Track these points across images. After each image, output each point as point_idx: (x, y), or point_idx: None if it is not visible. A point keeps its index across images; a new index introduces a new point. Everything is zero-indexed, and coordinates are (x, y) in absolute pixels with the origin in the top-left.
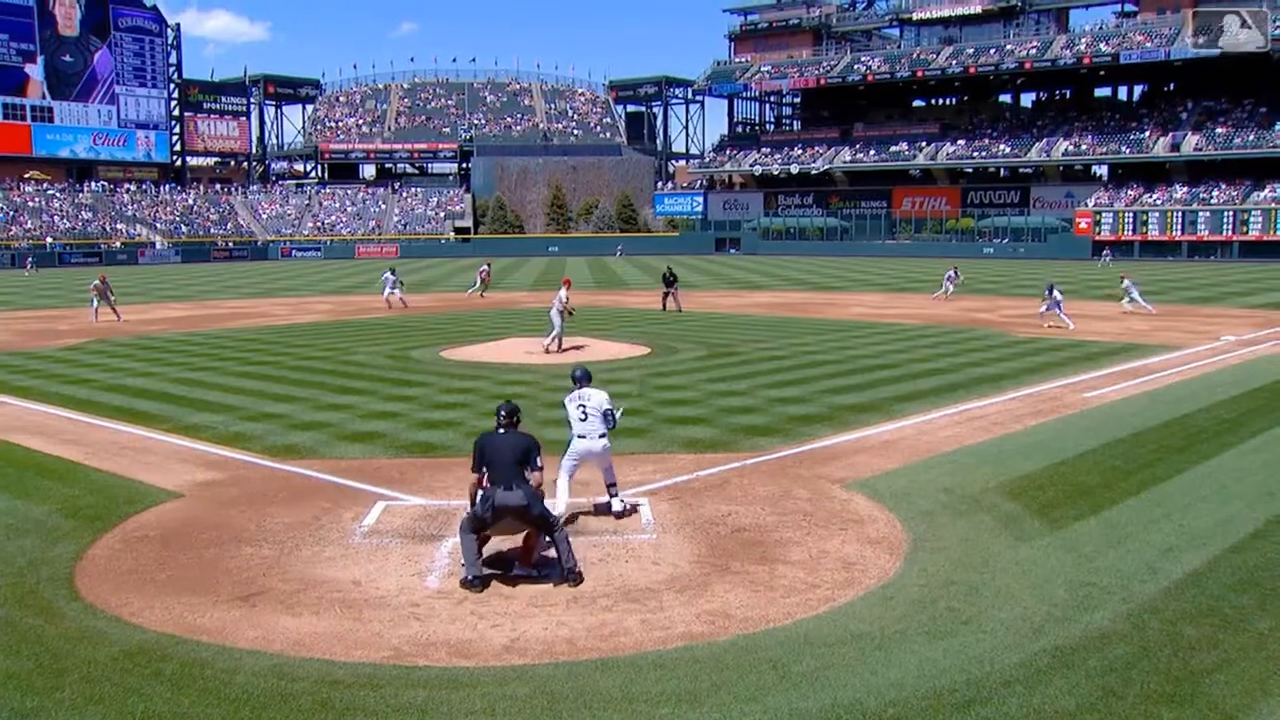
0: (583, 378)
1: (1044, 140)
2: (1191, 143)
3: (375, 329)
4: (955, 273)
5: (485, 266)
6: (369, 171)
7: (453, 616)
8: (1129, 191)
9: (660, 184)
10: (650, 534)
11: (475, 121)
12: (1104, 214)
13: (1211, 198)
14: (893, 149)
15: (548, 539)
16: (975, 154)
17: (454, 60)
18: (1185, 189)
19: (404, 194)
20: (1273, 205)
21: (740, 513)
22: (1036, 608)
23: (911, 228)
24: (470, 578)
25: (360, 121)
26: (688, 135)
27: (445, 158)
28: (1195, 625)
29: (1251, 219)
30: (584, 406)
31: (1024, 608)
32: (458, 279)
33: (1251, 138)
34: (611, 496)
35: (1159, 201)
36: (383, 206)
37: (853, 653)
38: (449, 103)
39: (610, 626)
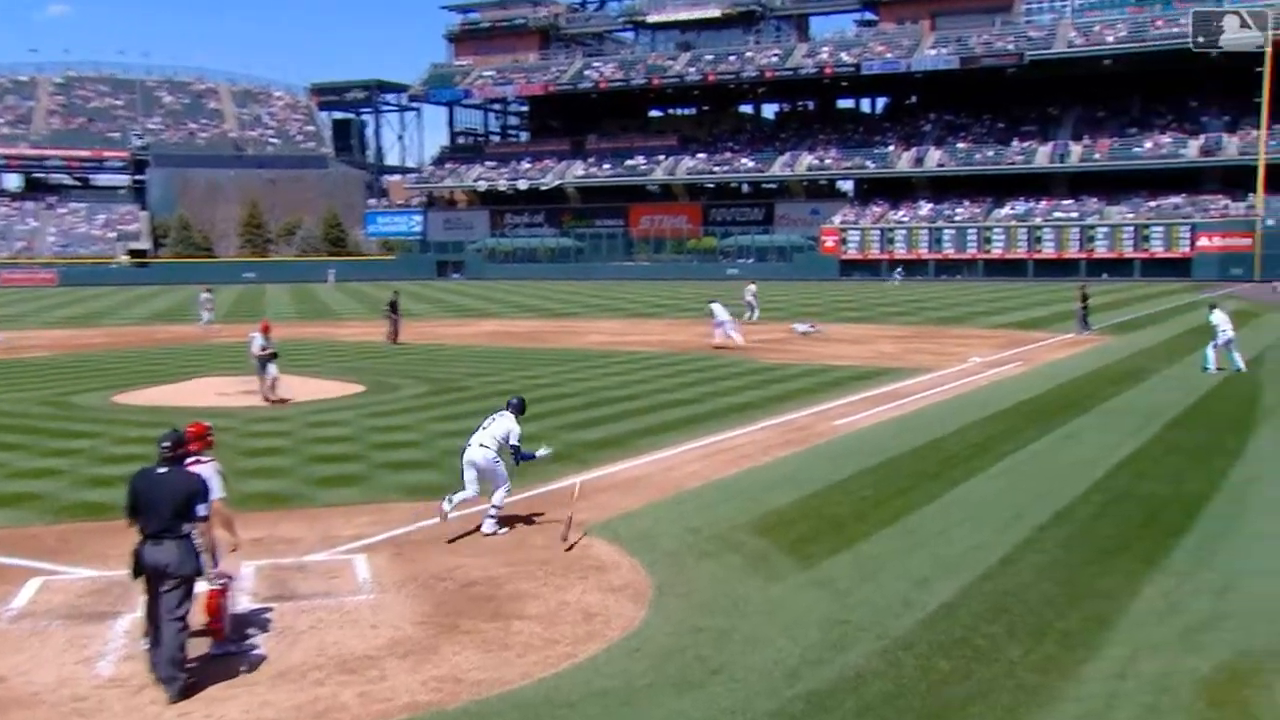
0: (515, 405)
1: (788, 154)
2: (935, 158)
3: (23, 371)
4: (753, 296)
5: (207, 295)
6: (13, 182)
7: (128, 709)
8: (875, 208)
9: (373, 201)
10: (368, 594)
11: (151, 126)
12: (850, 231)
13: (956, 214)
14: (629, 163)
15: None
16: (716, 168)
17: (121, 52)
18: (930, 205)
19: (61, 209)
20: (1014, 223)
21: (470, 565)
22: (790, 650)
23: (651, 248)
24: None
25: None
26: (403, 147)
27: (114, 168)
28: (948, 658)
29: (994, 236)
30: (494, 420)
31: (777, 651)
32: (134, 309)
33: (991, 154)
34: (486, 517)
35: (905, 218)
36: (33, 224)
37: (597, 711)
38: (116, 102)
39: (323, 703)
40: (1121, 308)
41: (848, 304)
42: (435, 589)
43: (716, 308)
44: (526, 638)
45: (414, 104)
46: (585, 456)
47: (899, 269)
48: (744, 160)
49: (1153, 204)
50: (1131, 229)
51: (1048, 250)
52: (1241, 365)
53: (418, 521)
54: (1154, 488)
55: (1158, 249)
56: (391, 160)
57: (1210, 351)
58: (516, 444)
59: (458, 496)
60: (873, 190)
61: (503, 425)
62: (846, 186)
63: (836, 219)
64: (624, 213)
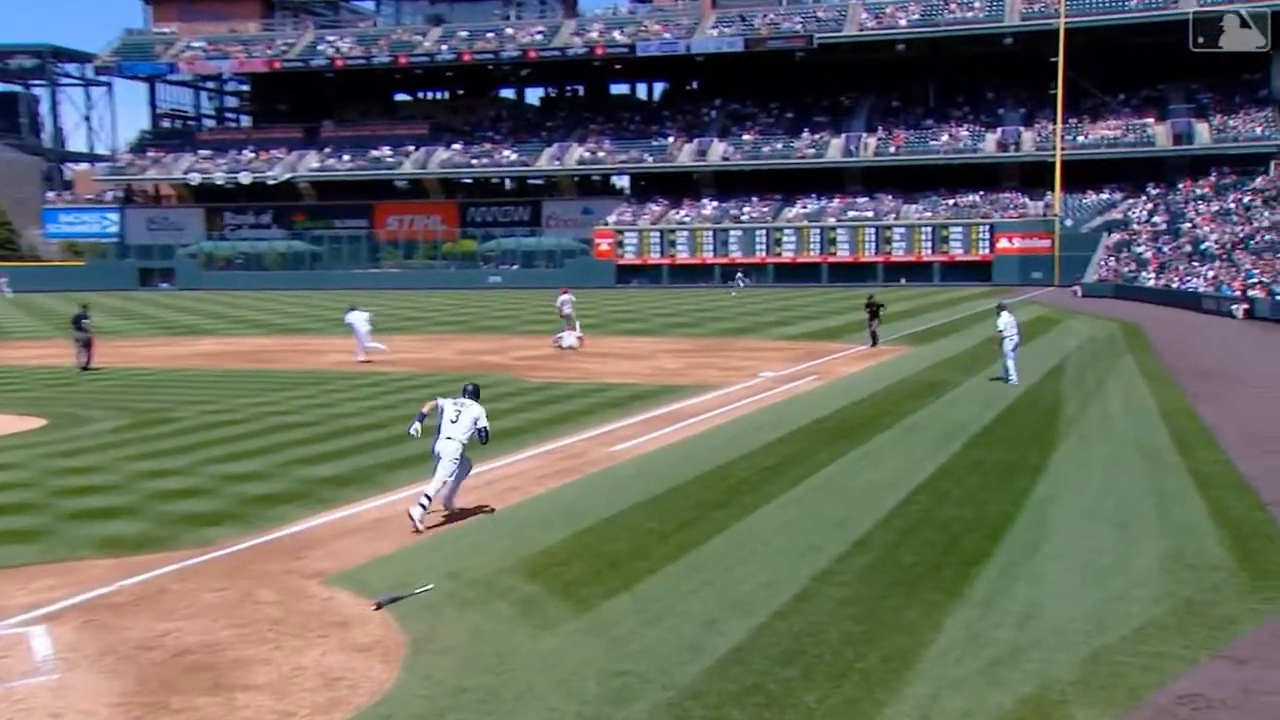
0: (472, 392)
1: (555, 146)
2: (719, 151)
3: None
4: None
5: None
6: None
7: None
8: (654, 206)
9: (53, 195)
10: (49, 674)
11: None
12: (626, 233)
13: (743, 214)
14: (373, 154)
15: None
16: (475, 161)
17: None
18: (715, 203)
19: None
20: (805, 223)
21: (184, 629)
22: (566, 707)
23: (400, 252)
24: None
25: None
26: (91, 130)
27: None
28: (741, 706)
29: (785, 238)
30: (461, 412)
31: (550, 710)
32: None
33: (780, 147)
34: (417, 504)
35: (687, 218)
36: None
37: None
38: None
39: None
40: (920, 315)
41: (625, 314)
42: (139, 661)
43: (355, 318)
44: (254, 713)
45: (103, 78)
46: (325, 495)
47: (740, 275)
48: (506, 152)
49: (950, 202)
50: (930, 230)
51: (843, 253)
52: (1015, 377)
53: (117, 581)
54: (956, 511)
55: (957, 251)
56: (76, 145)
57: (1010, 362)
58: (485, 426)
59: (431, 492)
60: (652, 187)
61: (471, 413)
62: (622, 182)
63: (611, 219)
64: (368, 212)
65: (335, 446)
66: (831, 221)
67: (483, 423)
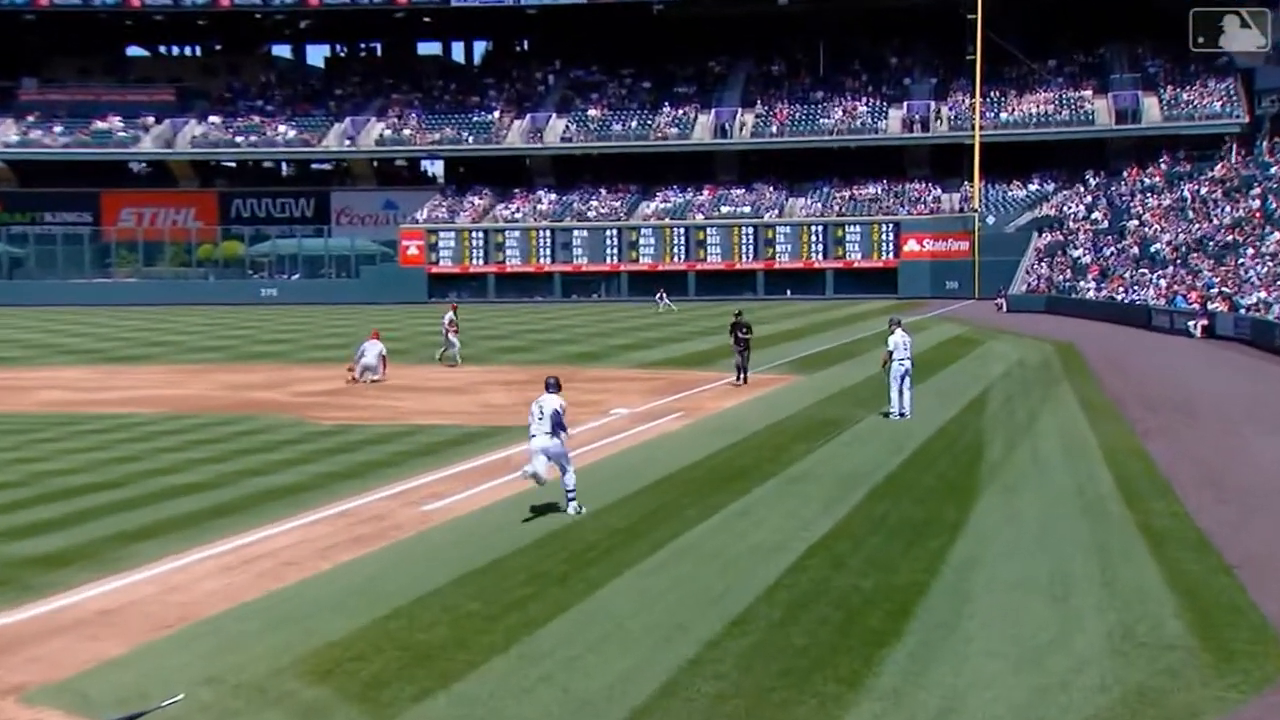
0: (553, 385)
1: (347, 120)
2: (557, 129)
3: None
4: (451, 319)
5: None
6: None
7: None
8: (476, 199)
9: None
10: None
11: None
12: (441, 234)
13: (589, 209)
14: (98, 126)
15: None
16: (240, 139)
17: None
18: (553, 196)
19: None
20: (667, 221)
21: None
22: None
23: (139, 257)
24: None
25: None
26: None
27: None
28: None
29: (642, 240)
30: (542, 408)
31: None
32: None
33: (635, 125)
34: (569, 502)
35: (519, 215)
36: None
37: None
38: None
39: None
40: (808, 336)
41: (436, 333)
42: None
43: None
44: None
45: None
46: (29, 579)
47: (661, 294)
48: (282, 128)
49: (845, 194)
50: (821, 229)
51: (713, 259)
52: (908, 410)
53: None
54: (856, 580)
55: (855, 256)
56: None
57: (894, 392)
58: (558, 410)
59: (568, 484)
60: (473, 174)
61: (552, 404)
62: (435, 169)
63: (421, 215)
64: (92, 202)
65: (46, 514)
66: (699, 219)
67: (555, 409)
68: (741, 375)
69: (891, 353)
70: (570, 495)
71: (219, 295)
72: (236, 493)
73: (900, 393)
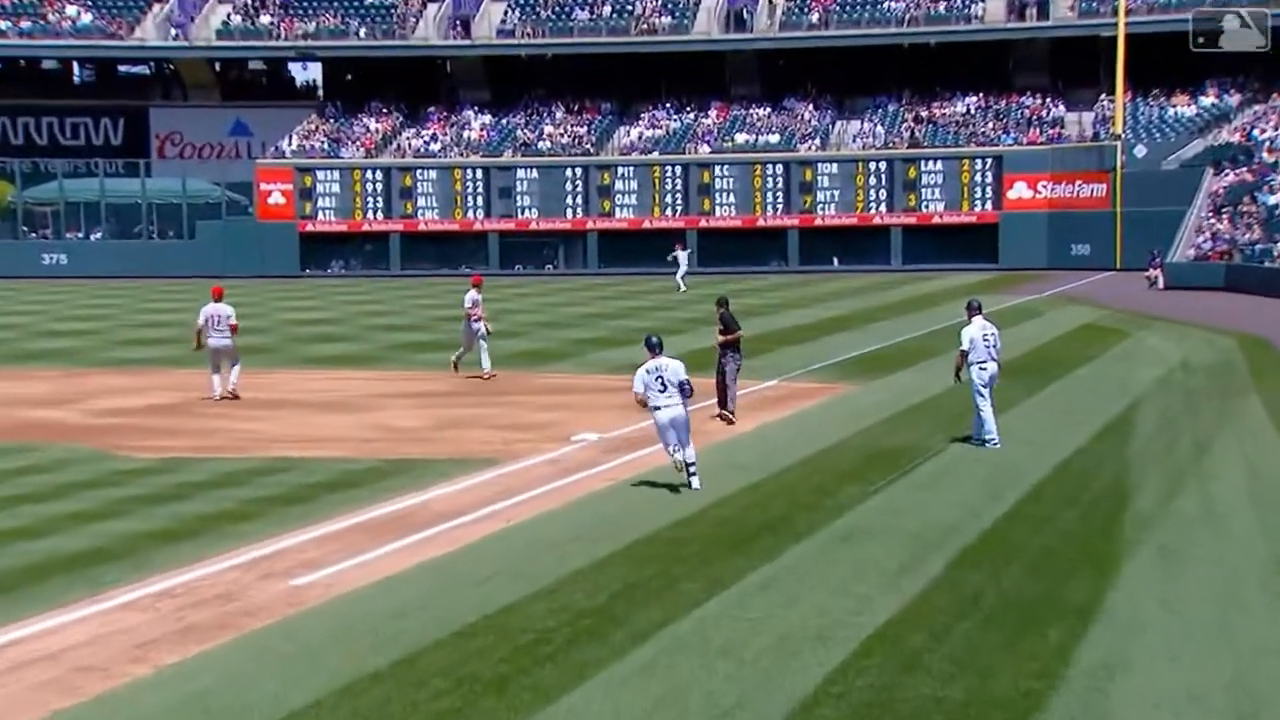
0: (658, 345)
1: (174, 1)
2: (493, 17)
3: None
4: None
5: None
6: None
7: None
8: (371, 122)
9: None
10: None
11: None
12: (319, 174)
13: (540, 139)
14: None
15: None
16: (12, 25)
17: None
18: (486, 119)
19: None
20: (655, 157)
21: None
22: None
23: None
24: None
25: None
26: None
27: None
28: None
29: (619, 185)
30: (662, 377)
31: None
32: None
33: (608, 11)
34: (690, 476)
35: (435, 147)
36: None
37: None
38: None
39: None
40: (863, 325)
41: (322, 327)
42: None
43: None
44: None
45: None
46: None
47: (680, 248)
48: (73, 9)
49: (920, 114)
50: (883, 167)
51: (725, 214)
52: (995, 436)
53: None
54: (936, 689)
55: (934, 208)
56: None
57: (984, 407)
58: (686, 379)
59: (690, 457)
60: (367, 85)
61: (678, 369)
62: (309, 75)
63: (290, 145)
64: None
65: None
66: (703, 153)
67: (683, 375)
68: (723, 400)
69: (967, 352)
70: (693, 469)
71: None
72: (1, 563)
73: (980, 402)
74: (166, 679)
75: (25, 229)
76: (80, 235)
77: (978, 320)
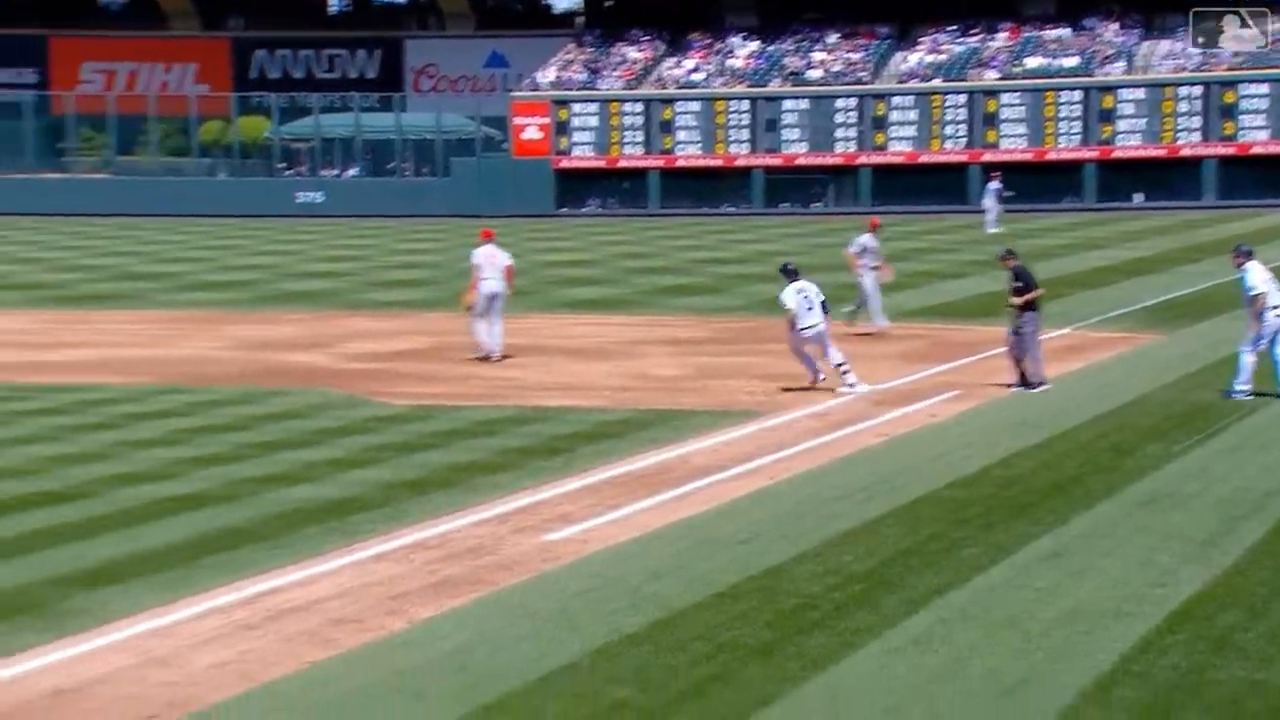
0: (795, 271)
1: None
2: None
3: None
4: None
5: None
6: None
7: None
8: (631, 51)
9: None
10: None
11: None
12: (576, 107)
13: (810, 65)
14: None
15: None
16: None
17: None
18: (753, 45)
19: None
20: (935, 84)
21: None
22: None
23: (112, 139)
24: None
25: None
26: None
27: None
28: None
29: (894, 117)
30: (808, 297)
31: None
32: None
33: None
34: (844, 374)
35: (698, 75)
36: None
37: None
38: None
39: None
40: (1169, 268)
41: (578, 270)
42: None
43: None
44: None
45: None
46: None
47: (996, 180)
48: None
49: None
50: (1197, 92)
51: (1012, 145)
52: (1247, 388)
53: None
54: (1252, 672)
55: (1257, 136)
56: None
57: (1245, 355)
58: (824, 299)
59: (837, 358)
60: (626, 13)
61: (818, 291)
62: (567, 3)
63: (548, 77)
64: (38, 52)
65: None
66: (991, 80)
67: (822, 295)
68: (1023, 379)
69: (1256, 293)
70: (845, 368)
71: (232, 202)
72: (255, 510)
73: (1271, 353)
74: (420, 635)
75: (281, 165)
76: (335, 173)
77: (1254, 265)
